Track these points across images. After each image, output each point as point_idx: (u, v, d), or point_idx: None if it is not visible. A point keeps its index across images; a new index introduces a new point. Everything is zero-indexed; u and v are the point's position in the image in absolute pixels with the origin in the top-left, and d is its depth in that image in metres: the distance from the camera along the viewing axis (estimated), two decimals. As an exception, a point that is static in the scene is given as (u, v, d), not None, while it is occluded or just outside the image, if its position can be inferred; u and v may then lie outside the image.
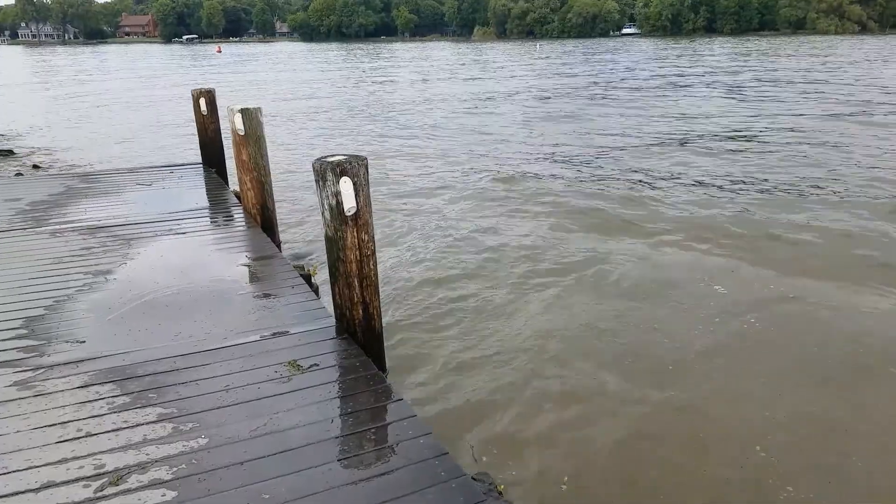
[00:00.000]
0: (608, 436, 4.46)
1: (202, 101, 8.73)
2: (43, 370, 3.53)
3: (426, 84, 34.78)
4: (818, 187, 11.08)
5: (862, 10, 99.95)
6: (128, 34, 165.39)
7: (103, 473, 2.68)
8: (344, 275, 3.90)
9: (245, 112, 6.38)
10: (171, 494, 2.55)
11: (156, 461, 2.75)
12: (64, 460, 2.76)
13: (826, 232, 8.76)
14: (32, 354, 3.72)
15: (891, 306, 6.42)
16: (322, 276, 6.33)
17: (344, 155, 3.81)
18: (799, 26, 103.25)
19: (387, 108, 24.18)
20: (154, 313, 4.26)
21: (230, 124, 6.56)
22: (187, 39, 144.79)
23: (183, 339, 3.89)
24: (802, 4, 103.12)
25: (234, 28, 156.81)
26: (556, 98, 26.62)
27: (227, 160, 8.47)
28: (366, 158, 3.82)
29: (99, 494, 2.56)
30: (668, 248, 8.25)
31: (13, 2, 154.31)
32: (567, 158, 14.24)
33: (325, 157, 3.80)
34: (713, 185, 11.40)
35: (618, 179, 12.12)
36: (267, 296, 4.57)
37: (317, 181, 3.79)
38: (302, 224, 9.61)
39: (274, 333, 3.95)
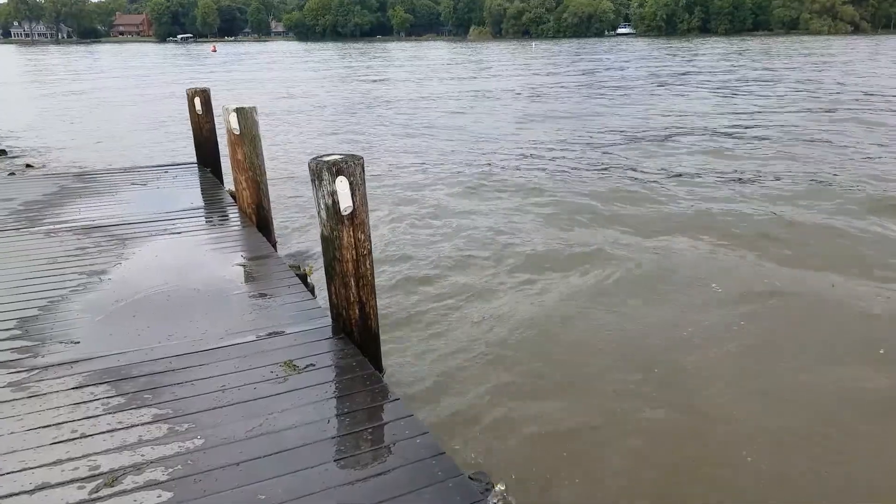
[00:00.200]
0: (607, 436, 4.46)
1: (197, 101, 8.70)
2: (37, 371, 3.51)
3: (421, 83, 34.76)
4: (811, 181, 11.15)
5: (855, 11, 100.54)
6: (122, 33, 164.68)
7: (98, 475, 2.66)
8: (340, 274, 3.89)
9: (240, 111, 6.36)
10: (166, 495, 2.54)
11: (151, 462, 2.74)
12: (59, 461, 2.74)
13: (820, 226, 8.87)
14: (27, 355, 3.70)
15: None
16: (318, 276, 6.32)
17: (340, 154, 3.80)
18: (792, 26, 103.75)
19: (382, 107, 24.16)
20: (149, 313, 4.24)
21: (225, 123, 6.54)
22: (182, 39, 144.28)
23: (178, 339, 3.88)
24: (796, 5, 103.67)
25: (229, 27, 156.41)
26: (550, 96, 26.68)
27: (223, 159, 8.45)
28: (362, 158, 3.81)
29: (94, 496, 2.54)
30: (666, 244, 8.30)
31: (6, 1, 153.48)
32: (563, 156, 14.25)
33: (321, 156, 3.79)
34: (706, 180, 11.43)
35: (613, 175, 12.17)
36: (263, 296, 4.55)
37: (313, 180, 3.78)
38: (297, 223, 9.59)
39: (270, 333, 3.94)
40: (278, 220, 8.45)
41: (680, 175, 12.17)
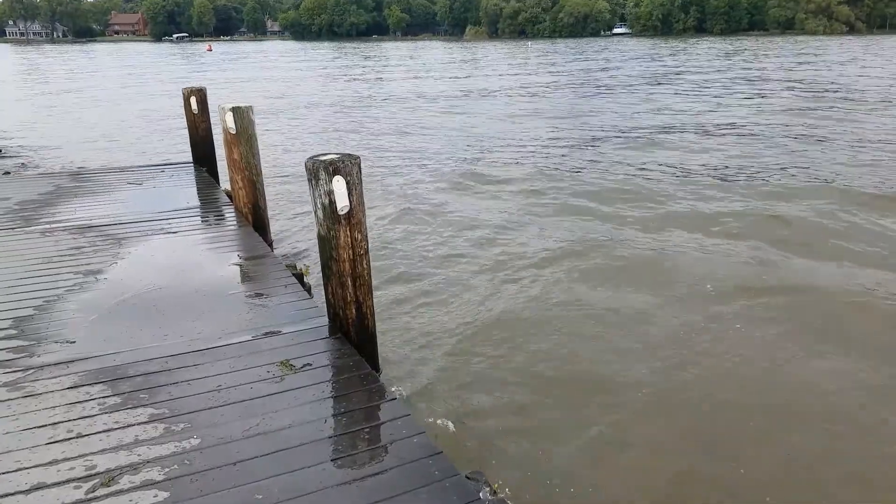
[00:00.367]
0: (607, 436, 4.47)
1: (193, 100, 8.67)
2: (33, 371, 3.50)
3: (417, 82, 34.74)
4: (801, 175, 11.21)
5: (850, 11, 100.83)
6: (117, 33, 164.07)
7: (95, 474, 2.66)
8: (337, 274, 3.89)
9: (236, 110, 6.35)
10: (163, 495, 2.54)
11: (148, 462, 2.73)
12: (55, 461, 2.74)
13: (813, 221, 9.01)
14: (22, 355, 3.69)
15: None
16: (315, 276, 6.32)
17: (337, 153, 3.80)
18: (788, 26, 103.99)
19: (378, 106, 24.15)
20: (145, 313, 4.23)
21: (221, 123, 6.52)
22: (178, 38, 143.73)
23: (174, 338, 3.87)
24: (791, 5, 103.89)
25: (224, 27, 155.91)
26: (545, 95, 26.73)
27: (219, 159, 8.43)
28: (359, 157, 3.80)
29: (90, 496, 2.54)
30: (663, 238, 8.36)
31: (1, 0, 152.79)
32: (557, 153, 14.26)
33: (318, 155, 3.78)
34: (700, 178, 11.46)
35: (607, 171, 12.26)
36: (259, 295, 4.55)
37: (309, 180, 3.77)
38: (294, 223, 9.58)
39: (266, 333, 3.94)
40: (275, 219, 8.44)
41: (674, 172, 12.21)
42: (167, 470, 2.68)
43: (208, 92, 8.89)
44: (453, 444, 4.30)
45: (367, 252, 3.94)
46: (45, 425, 3.00)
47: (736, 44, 73.00)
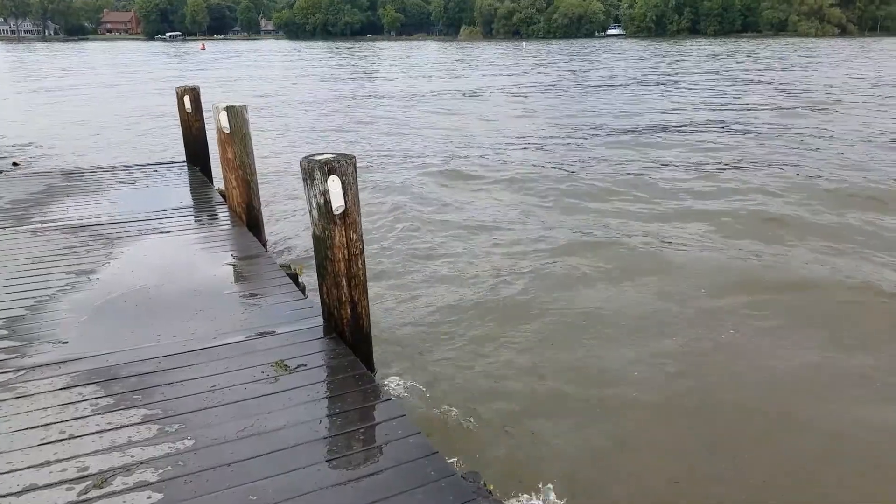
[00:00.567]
0: (606, 436, 4.47)
1: (186, 99, 8.63)
2: (24, 371, 3.47)
3: (411, 81, 34.72)
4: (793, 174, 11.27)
5: (842, 13, 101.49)
6: (109, 31, 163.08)
7: (87, 476, 2.63)
8: (332, 274, 3.87)
9: (230, 110, 6.32)
10: (156, 496, 2.52)
11: (141, 463, 2.71)
12: (47, 463, 2.71)
13: (807, 220, 9.07)
14: (13, 355, 3.65)
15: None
16: (309, 276, 6.29)
17: (332, 153, 3.78)
18: (781, 28, 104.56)
19: (371, 105, 24.11)
20: (138, 313, 4.20)
21: (215, 122, 6.49)
22: (171, 37, 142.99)
23: (168, 339, 3.84)
24: (784, 7, 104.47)
25: (218, 25, 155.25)
26: (538, 95, 26.78)
27: (212, 158, 8.39)
28: (354, 157, 3.79)
29: (83, 497, 2.51)
30: (663, 238, 8.39)
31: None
32: (551, 150, 14.28)
33: (313, 155, 3.77)
34: (694, 175, 11.50)
35: (600, 169, 12.34)
36: (253, 295, 4.53)
37: (304, 180, 3.76)
38: (288, 223, 9.55)
39: (260, 333, 3.92)
40: (269, 219, 8.41)
41: (669, 171, 12.24)
42: (161, 471, 2.66)
43: (202, 91, 8.85)
44: (449, 445, 4.30)
45: (362, 252, 3.93)
46: (37, 426, 2.97)
47: (729, 45, 73.36)
